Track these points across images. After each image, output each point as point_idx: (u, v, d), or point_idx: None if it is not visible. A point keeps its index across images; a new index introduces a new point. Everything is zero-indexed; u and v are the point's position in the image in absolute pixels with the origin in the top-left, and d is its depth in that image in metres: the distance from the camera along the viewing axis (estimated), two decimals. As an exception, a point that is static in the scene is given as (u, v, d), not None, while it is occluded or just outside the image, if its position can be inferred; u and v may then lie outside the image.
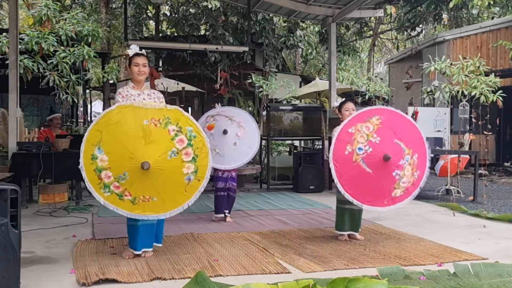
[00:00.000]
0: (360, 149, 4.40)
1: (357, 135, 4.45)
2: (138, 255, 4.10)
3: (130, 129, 3.86)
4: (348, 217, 4.79)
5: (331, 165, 4.48)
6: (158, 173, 3.84)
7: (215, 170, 5.57)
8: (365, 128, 4.47)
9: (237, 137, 5.66)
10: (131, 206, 3.89)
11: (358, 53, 18.22)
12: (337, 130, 4.67)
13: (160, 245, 4.32)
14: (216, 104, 6.12)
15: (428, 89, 8.39)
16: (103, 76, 9.77)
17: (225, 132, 5.57)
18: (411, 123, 4.70)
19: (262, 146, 10.08)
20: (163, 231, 4.37)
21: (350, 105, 4.91)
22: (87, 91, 12.06)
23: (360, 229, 4.92)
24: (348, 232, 4.84)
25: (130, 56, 4.32)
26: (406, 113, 11.06)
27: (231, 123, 5.70)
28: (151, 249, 4.19)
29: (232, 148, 5.62)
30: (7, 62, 7.43)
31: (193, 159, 3.95)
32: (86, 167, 3.79)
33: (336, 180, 4.46)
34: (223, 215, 5.84)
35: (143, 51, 4.40)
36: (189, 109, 15.33)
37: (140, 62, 4.27)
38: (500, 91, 7.53)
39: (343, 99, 5.12)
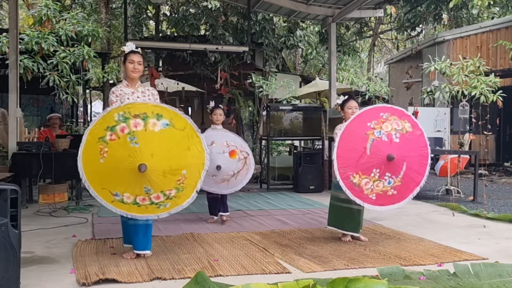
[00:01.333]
0: (379, 132, 4.38)
1: (385, 123, 4.41)
2: (138, 255, 4.11)
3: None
4: (345, 215, 4.74)
5: (336, 140, 4.46)
6: (132, 173, 3.79)
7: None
8: (395, 124, 4.45)
9: (235, 174, 5.61)
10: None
11: (358, 53, 18.20)
12: (339, 129, 4.68)
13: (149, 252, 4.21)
14: (210, 101, 5.99)
15: (428, 89, 8.39)
16: (103, 76, 9.77)
17: (218, 168, 5.42)
18: (426, 151, 4.64)
19: (262, 146, 10.09)
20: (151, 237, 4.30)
21: (353, 103, 4.88)
22: (87, 91, 12.07)
23: (360, 230, 4.88)
24: (349, 233, 4.80)
25: (125, 53, 4.31)
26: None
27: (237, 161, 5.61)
28: (149, 252, 4.17)
29: (225, 184, 5.61)
30: (7, 62, 7.43)
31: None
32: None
33: (334, 156, 4.39)
34: (217, 217, 5.79)
35: (139, 49, 4.38)
36: (189, 109, 15.35)
37: (135, 60, 4.26)
38: (500, 91, 7.53)
39: (346, 97, 5.07)
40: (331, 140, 8.75)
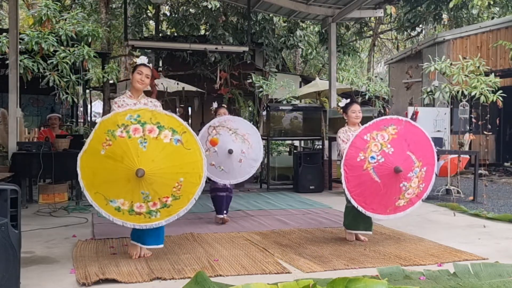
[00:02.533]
0: (372, 157, 4.39)
1: (372, 143, 4.43)
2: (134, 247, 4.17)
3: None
4: (358, 216, 4.69)
5: (342, 170, 4.47)
6: (127, 179, 3.79)
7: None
8: (380, 137, 4.46)
9: (243, 154, 5.49)
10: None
11: (358, 53, 18.22)
12: (343, 133, 4.80)
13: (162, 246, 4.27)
14: (213, 103, 6.04)
15: (428, 89, 8.40)
16: (103, 76, 9.77)
17: (230, 151, 5.37)
18: (425, 136, 4.64)
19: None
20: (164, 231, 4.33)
21: (357, 107, 4.92)
22: (87, 91, 12.05)
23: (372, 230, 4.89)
24: (360, 232, 4.81)
25: (136, 64, 4.38)
26: (406, 114, 11.12)
27: (235, 138, 5.49)
28: (161, 246, 4.20)
29: (238, 165, 5.49)
30: (7, 62, 7.43)
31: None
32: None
33: (344, 185, 4.46)
34: (224, 216, 5.73)
35: (151, 65, 4.47)
36: (189, 109, 15.34)
37: (144, 72, 4.33)
38: (500, 91, 7.53)
39: (348, 100, 5.10)
40: (331, 140, 8.77)
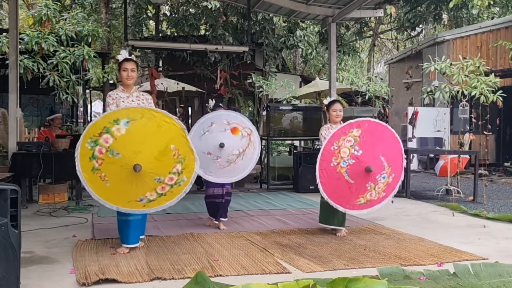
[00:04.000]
0: (344, 162, 4.67)
1: (341, 149, 4.68)
2: (133, 248, 4.33)
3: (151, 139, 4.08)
4: (332, 212, 4.99)
5: (317, 173, 4.74)
6: (138, 176, 3.98)
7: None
8: (347, 142, 4.70)
9: (241, 152, 5.24)
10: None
11: (358, 53, 18.22)
12: (326, 130, 5.07)
13: (144, 236, 4.58)
14: (210, 100, 5.85)
15: (428, 89, 8.39)
16: (103, 76, 9.76)
17: (222, 145, 5.10)
18: (394, 136, 4.87)
19: (262, 146, 10.08)
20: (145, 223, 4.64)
21: (338, 106, 5.16)
22: (87, 91, 12.07)
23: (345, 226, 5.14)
24: (336, 227, 5.09)
25: (119, 61, 4.53)
26: (406, 114, 11.12)
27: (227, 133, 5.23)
28: (138, 244, 4.41)
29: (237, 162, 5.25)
30: (7, 62, 7.43)
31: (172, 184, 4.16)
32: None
33: (320, 187, 4.73)
34: (217, 221, 5.45)
35: (133, 56, 4.60)
36: (189, 109, 15.34)
37: (128, 67, 4.48)
38: (500, 91, 7.53)
39: (331, 99, 5.34)
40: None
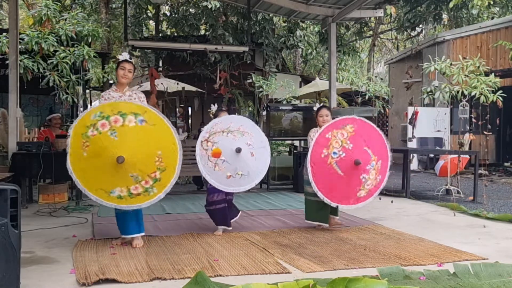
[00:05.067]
0: (334, 153, 4.90)
1: (333, 140, 4.94)
2: (131, 241, 4.51)
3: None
4: (316, 208, 5.25)
5: (308, 166, 4.97)
6: (115, 168, 4.14)
7: (206, 182, 5.08)
8: (340, 135, 4.96)
9: (250, 146, 5.04)
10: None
11: (358, 53, 18.23)
12: (314, 132, 5.27)
13: (143, 233, 4.64)
14: (212, 105, 5.65)
15: (428, 89, 8.39)
16: (103, 76, 9.77)
17: (238, 150, 4.88)
18: (378, 133, 5.15)
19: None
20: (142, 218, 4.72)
21: (324, 111, 5.44)
22: (87, 91, 12.05)
23: (336, 217, 5.39)
24: (318, 223, 5.33)
25: (119, 60, 4.77)
26: (406, 114, 11.12)
27: (234, 136, 5.01)
28: (141, 235, 4.58)
29: (252, 160, 5.05)
30: (7, 62, 7.43)
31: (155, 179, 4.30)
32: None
33: (310, 179, 4.93)
34: (230, 227, 5.17)
35: (133, 60, 4.72)
36: (189, 109, 15.34)
37: (126, 67, 4.72)
38: (500, 91, 7.53)
39: (320, 105, 5.71)
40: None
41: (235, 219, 5.34)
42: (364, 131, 5.04)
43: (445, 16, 17.11)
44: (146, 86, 10.55)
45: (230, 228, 5.17)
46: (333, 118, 5.29)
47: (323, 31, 12.14)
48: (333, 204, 5.04)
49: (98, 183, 4.19)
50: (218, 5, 11.59)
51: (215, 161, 4.92)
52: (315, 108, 5.58)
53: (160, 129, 4.34)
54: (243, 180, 5.01)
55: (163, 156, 4.27)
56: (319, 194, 4.93)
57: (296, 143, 11.75)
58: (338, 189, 4.95)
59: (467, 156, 8.85)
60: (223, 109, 5.72)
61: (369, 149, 4.93)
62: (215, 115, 5.42)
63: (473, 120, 9.06)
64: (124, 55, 4.78)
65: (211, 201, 5.14)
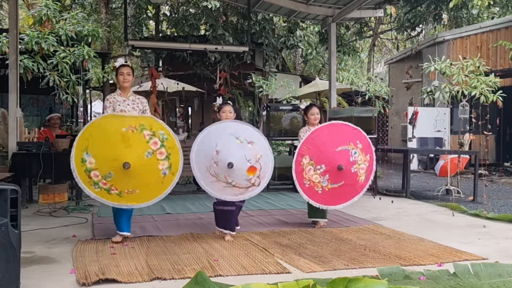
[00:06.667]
0: (324, 182, 5.13)
1: (312, 180, 5.13)
2: (127, 237, 4.72)
3: (111, 136, 4.47)
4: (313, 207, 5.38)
5: (293, 172, 5.16)
6: (138, 170, 4.43)
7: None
8: (308, 172, 5.11)
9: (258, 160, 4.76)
10: (118, 198, 4.51)
11: (358, 53, 18.23)
12: (304, 132, 5.40)
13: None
14: (217, 98, 5.45)
15: (428, 89, 8.38)
16: (103, 76, 9.77)
17: (231, 166, 4.58)
18: (340, 125, 5.31)
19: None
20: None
21: (315, 110, 5.53)
22: (87, 91, 12.08)
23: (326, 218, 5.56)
24: (317, 219, 5.50)
25: (116, 67, 4.98)
26: (406, 114, 11.12)
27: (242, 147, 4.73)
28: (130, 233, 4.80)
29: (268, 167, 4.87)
30: (7, 62, 7.43)
31: (166, 157, 4.55)
32: (77, 169, 4.41)
33: (296, 183, 5.16)
34: (234, 232, 4.92)
35: (128, 63, 4.78)
36: (189, 109, 15.34)
37: (124, 72, 4.87)
38: (500, 91, 7.52)
39: (308, 103, 5.80)
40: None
41: (230, 232, 4.90)
42: (323, 139, 5.16)
43: (445, 16, 17.11)
44: (146, 86, 10.56)
45: (234, 233, 4.91)
46: (331, 119, 5.35)
47: (323, 31, 12.13)
48: (323, 207, 5.27)
49: (154, 183, 4.57)
50: (218, 5, 11.59)
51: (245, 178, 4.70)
52: (302, 107, 5.69)
53: (101, 127, 4.55)
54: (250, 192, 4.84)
55: (129, 123, 4.50)
56: (305, 197, 5.21)
57: (296, 143, 11.75)
58: (343, 194, 5.21)
59: (467, 156, 8.85)
60: (229, 102, 5.43)
61: (340, 145, 5.12)
62: (220, 109, 5.11)
63: (473, 120, 9.06)
64: (120, 61, 4.93)
65: (220, 201, 4.85)
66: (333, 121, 5.43)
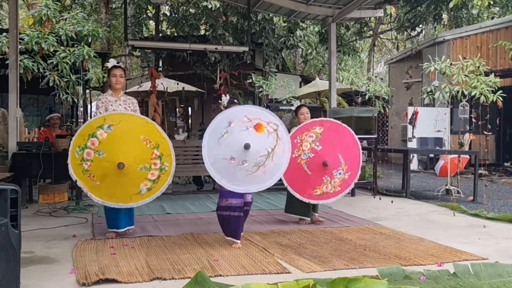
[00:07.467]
0: (305, 155, 5.30)
1: (303, 143, 5.30)
2: (122, 234, 4.86)
3: (128, 132, 4.59)
4: (297, 202, 5.47)
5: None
6: (124, 172, 4.51)
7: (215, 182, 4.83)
8: (309, 137, 5.31)
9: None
10: (94, 186, 4.59)
11: (358, 53, 18.24)
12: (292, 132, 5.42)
13: (133, 227, 5.01)
14: (223, 95, 5.15)
15: (428, 89, 8.38)
16: (103, 76, 9.76)
17: (246, 146, 4.27)
18: (356, 142, 5.45)
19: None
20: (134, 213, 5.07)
21: (304, 109, 5.71)
22: (87, 91, 12.06)
23: (316, 214, 5.68)
24: (300, 217, 5.61)
25: (108, 68, 5.01)
26: (406, 114, 11.12)
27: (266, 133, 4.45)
28: (133, 227, 4.98)
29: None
30: (7, 62, 7.43)
31: (154, 180, 4.67)
32: (74, 142, 4.53)
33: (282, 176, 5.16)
34: (239, 240, 4.58)
35: (120, 64, 5.02)
36: (189, 109, 15.34)
37: (117, 73, 4.98)
38: (500, 91, 7.52)
39: (298, 103, 6.03)
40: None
41: (235, 240, 4.61)
42: (337, 135, 5.36)
43: (445, 16, 17.12)
44: (146, 86, 10.55)
45: (237, 242, 4.55)
46: (333, 119, 5.40)
47: (323, 31, 12.14)
48: (305, 200, 5.38)
49: (127, 192, 4.63)
50: (218, 5, 11.59)
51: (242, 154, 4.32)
52: (293, 108, 5.89)
53: (127, 121, 4.66)
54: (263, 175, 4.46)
55: (148, 136, 4.61)
56: (289, 189, 5.34)
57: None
58: (299, 181, 5.36)
59: (467, 156, 8.84)
60: (235, 101, 5.26)
61: (342, 157, 5.29)
62: (227, 107, 4.85)
63: (473, 120, 9.06)
64: (112, 62, 5.01)
65: (224, 206, 4.55)
66: (353, 134, 5.51)
